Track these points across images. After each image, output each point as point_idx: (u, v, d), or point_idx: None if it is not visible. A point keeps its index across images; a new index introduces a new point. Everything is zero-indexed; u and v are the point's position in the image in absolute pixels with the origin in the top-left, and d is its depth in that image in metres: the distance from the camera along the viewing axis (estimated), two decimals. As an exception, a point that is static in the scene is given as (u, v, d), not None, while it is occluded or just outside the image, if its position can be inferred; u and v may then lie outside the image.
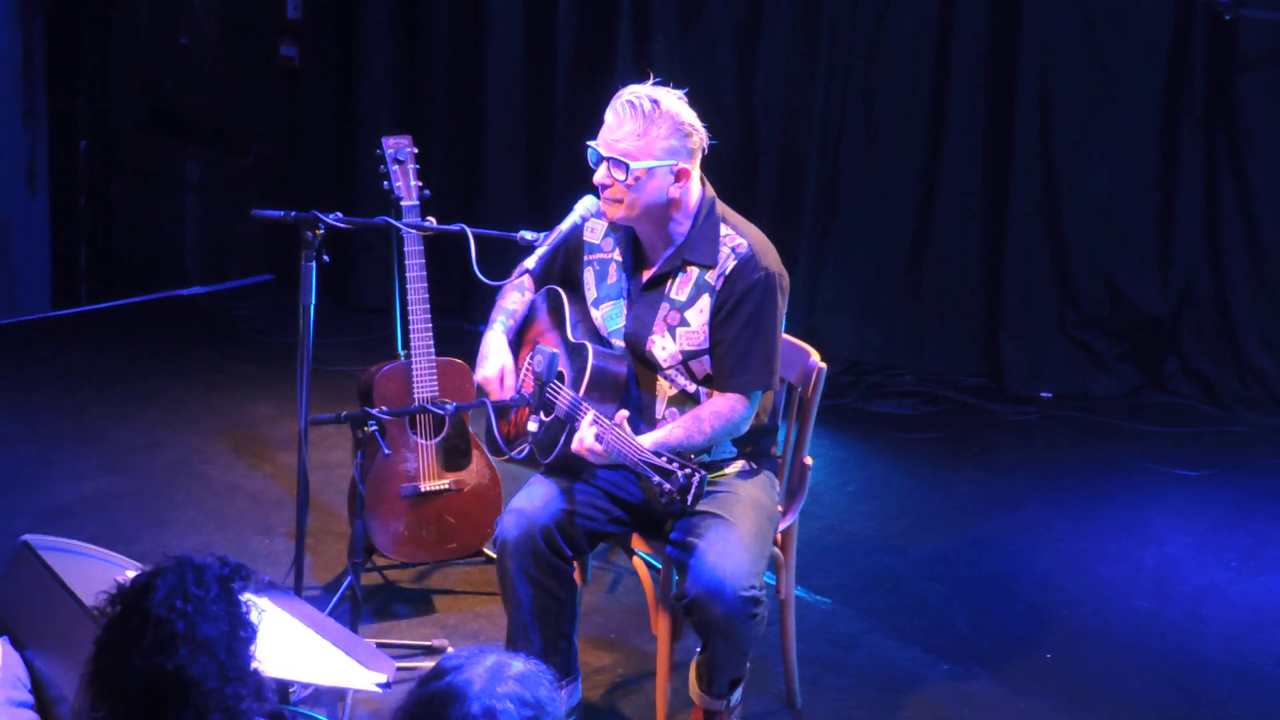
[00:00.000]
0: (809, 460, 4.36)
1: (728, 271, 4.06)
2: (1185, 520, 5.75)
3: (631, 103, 3.99)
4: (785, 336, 4.26)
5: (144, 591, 2.60)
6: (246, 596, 2.65)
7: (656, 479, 3.77)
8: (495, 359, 4.18)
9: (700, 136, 4.04)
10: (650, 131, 3.97)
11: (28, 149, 8.50)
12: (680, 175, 4.02)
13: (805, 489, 4.36)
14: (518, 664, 2.47)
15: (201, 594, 2.59)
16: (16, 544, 3.78)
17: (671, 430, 4.00)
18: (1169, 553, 5.52)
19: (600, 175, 4.03)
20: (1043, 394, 6.82)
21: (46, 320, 7.30)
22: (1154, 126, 6.71)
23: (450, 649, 4.68)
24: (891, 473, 6.08)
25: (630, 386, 4.13)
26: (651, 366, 4.13)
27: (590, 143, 4.06)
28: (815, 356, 4.32)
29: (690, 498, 3.75)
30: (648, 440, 3.92)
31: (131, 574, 3.61)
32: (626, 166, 3.98)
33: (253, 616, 2.64)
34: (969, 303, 6.98)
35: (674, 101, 4.02)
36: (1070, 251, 6.83)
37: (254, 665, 2.62)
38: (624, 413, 3.96)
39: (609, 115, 4.02)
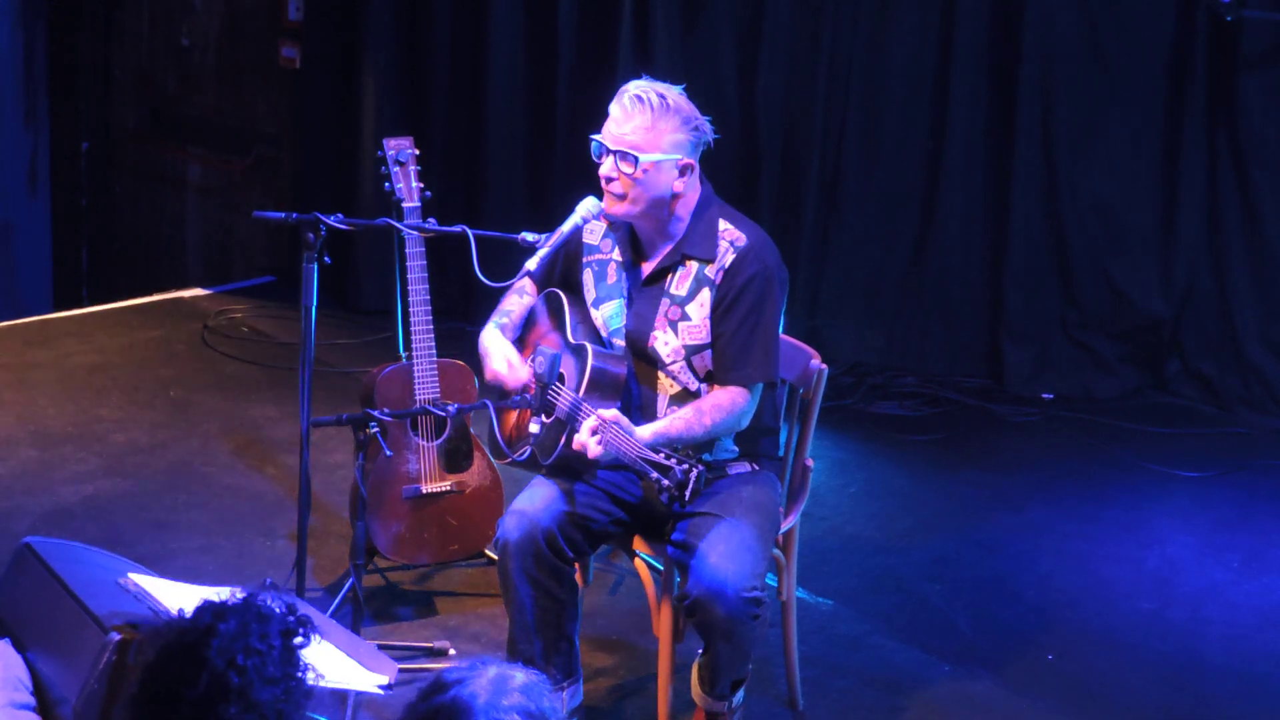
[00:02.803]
0: (810, 462, 4.36)
1: (727, 265, 4.07)
2: (1187, 521, 5.75)
3: (640, 97, 4.01)
4: (787, 338, 4.27)
5: (205, 635, 2.50)
6: (306, 654, 2.57)
7: (654, 475, 3.77)
8: (498, 351, 4.18)
9: (705, 130, 4.06)
10: (659, 125, 3.99)
11: (29, 150, 8.51)
12: (684, 170, 4.04)
13: (807, 490, 4.36)
14: (520, 675, 2.46)
15: (264, 649, 2.50)
16: (18, 546, 3.78)
17: (672, 421, 4.01)
18: (1170, 554, 5.52)
19: (606, 169, 4.04)
20: (1044, 395, 6.82)
21: (48, 321, 7.30)
22: (1156, 127, 6.70)
23: (452, 651, 4.68)
24: (893, 474, 6.08)
25: (631, 386, 4.14)
26: (654, 363, 4.13)
27: (594, 136, 4.07)
28: (817, 358, 4.32)
29: (688, 493, 3.76)
30: (647, 431, 3.93)
31: (137, 577, 3.61)
32: (635, 159, 3.99)
33: (309, 678, 2.57)
34: (970, 304, 6.98)
35: (680, 96, 4.05)
36: (1072, 252, 6.83)
37: None
38: (614, 410, 3.96)
39: (615, 109, 4.04)
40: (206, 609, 2.55)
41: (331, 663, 3.51)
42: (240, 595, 2.57)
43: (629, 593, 5.08)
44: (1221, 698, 4.72)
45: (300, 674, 2.55)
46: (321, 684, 3.47)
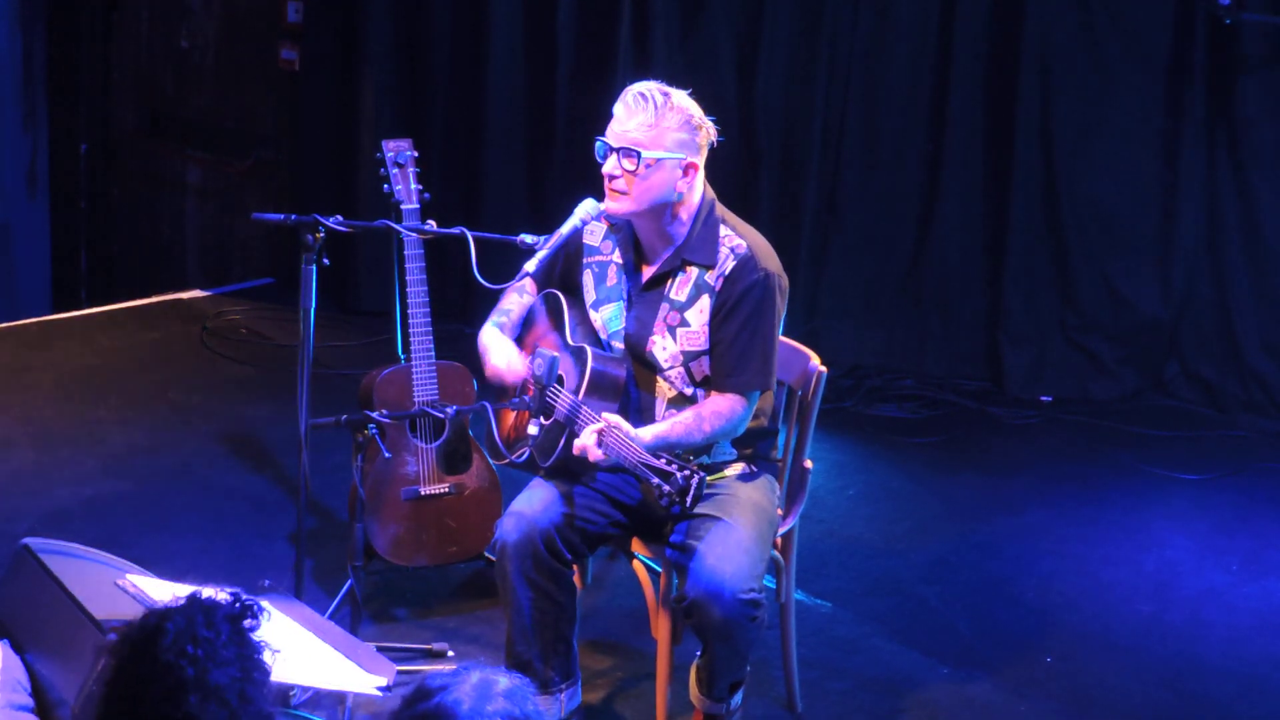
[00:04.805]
0: (809, 464, 4.36)
1: (727, 272, 4.07)
2: (1186, 524, 5.75)
3: (643, 94, 4.02)
4: (786, 340, 4.27)
5: (153, 635, 2.51)
6: (259, 635, 2.57)
7: (655, 481, 3.77)
8: (499, 349, 4.19)
9: (708, 132, 4.07)
10: (661, 123, 4.00)
11: (28, 152, 8.51)
12: (688, 170, 4.04)
13: (805, 492, 4.36)
14: (503, 680, 2.46)
15: (211, 637, 2.50)
16: (17, 547, 3.78)
17: (672, 425, 4.01)
18: (1169, 556, 5.52)
19: (609, 166, 4.04)
20: (1043, 398, 6.82)
21: (46, 323, 7.30)
22: (1155, 130, 6.71)
23: (450, 653, 4.68)
24: (892, 476, 6.08)
25: (630, 389, 4.14)
26: (652, 368, 4.13)
27: (599, 137, 4.07)
28: (815, 360, 4.31)
29: (689, 499, 3.76)
30: (647, 433, 3.93)
31: (135, 578, 3.61)
32: (637, 155, 3.99)
33: (266, 657, 2.56)
34: (969, 306, 6.98)
35: (684, 97, 4.06)
36: (1071, 255, 6.83)
37: (268, 709, 2.56)
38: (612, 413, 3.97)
39: (619, 108, 4.04)
40: (151, 613, 2.55)
41: (330, 664, 3.51)
42: (185, 595, 2.58)
43: (627, 594, 5.08)
44: (1220, 700, 4.72)
45: (254, 653, 2.55)
46: (311, 681, 3.47)
